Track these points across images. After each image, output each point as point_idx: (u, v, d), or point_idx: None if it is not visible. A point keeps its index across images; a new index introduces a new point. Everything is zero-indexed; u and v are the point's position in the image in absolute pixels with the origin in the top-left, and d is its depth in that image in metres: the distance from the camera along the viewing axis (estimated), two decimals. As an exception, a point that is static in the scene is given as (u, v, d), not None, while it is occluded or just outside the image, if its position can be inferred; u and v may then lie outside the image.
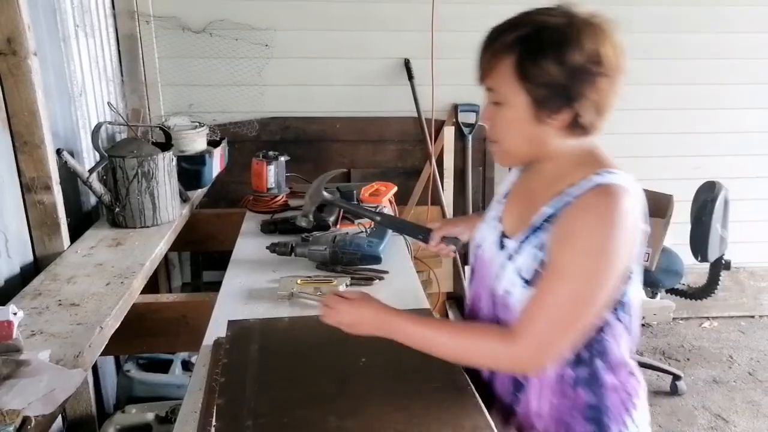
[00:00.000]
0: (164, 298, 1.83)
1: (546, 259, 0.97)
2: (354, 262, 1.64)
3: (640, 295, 1.06)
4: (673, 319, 3.42)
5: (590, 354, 1.02)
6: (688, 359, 3.08)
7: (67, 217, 1.76)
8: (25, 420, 0.96)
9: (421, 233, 1.42)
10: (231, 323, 1.26)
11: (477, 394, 1.03)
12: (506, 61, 0.94)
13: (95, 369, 2.07)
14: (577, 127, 0.96)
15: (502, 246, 1.06)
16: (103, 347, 1.34)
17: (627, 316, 1.03)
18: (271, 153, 2.17)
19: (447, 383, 1.04)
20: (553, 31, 0.92)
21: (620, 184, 0.94)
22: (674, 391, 2.77)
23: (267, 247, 1.72)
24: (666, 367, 2.86)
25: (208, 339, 1.25)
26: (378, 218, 1.37)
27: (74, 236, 1.84)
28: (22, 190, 1.66)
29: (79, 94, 2.10)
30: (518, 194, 1.11)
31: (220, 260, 1.83)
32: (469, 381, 1.06)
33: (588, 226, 0.92)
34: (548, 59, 0.91)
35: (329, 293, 1.13)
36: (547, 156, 1.01)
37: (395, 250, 1.77)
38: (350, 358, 1.11)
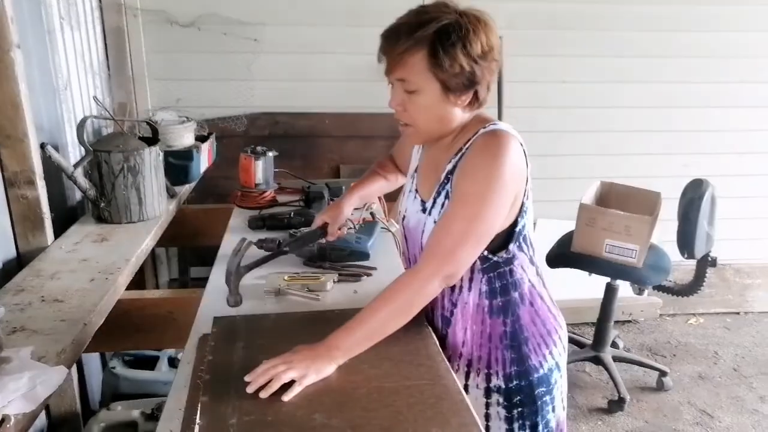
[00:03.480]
0: (150, 294, 1.81)
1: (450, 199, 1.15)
2: (342, 258, 1.63)
3: (532, 229, 1.24)
4: (660, 315, 3.45)
5: (503, 284, 1.19)
6: (674, 355, 3.11)
7: (51, 212, 1.74)
8: (4, 418, 0.95)
9: (319, 233, 1.49)
10: (217, 320, 1.25)
11: (463, 392, 1.03)
12: (417, 55, 1.08)
13: (80, 366, 2.05)
14: (475, 103, 1.16)
15: (423, 210, 1.24)
16: (88, 344, 1.32)
17: (528, 247, 1.21)
18: (259, 148, 2.15)
19: (433, 381, 1.04)
20: (456, 26, 1.07)
21: (504, 129, 1.13)
22: (660, 386, 2.80)
23: (254, 243, 1.70)
24: (652, 363, 2.88)
25: (194, 335, 1.23)
26: (287, 249, 1.40)
27: (58, 231, 1.81)
28: (4, 185, 1.64)
29: (65, 88, 2.07)
30: (426, 166, 1.28)
31: (208, 256, 1.81)
32: (456, 379, 1.06)
33: (480, 159, 1.10)
34: (457, 51, 1.07)
35: (260, 367, 1.02)
36: (452, 130, 1.19)
37: (384, 246, 1.76)
38: (336, 355, 1.10)
